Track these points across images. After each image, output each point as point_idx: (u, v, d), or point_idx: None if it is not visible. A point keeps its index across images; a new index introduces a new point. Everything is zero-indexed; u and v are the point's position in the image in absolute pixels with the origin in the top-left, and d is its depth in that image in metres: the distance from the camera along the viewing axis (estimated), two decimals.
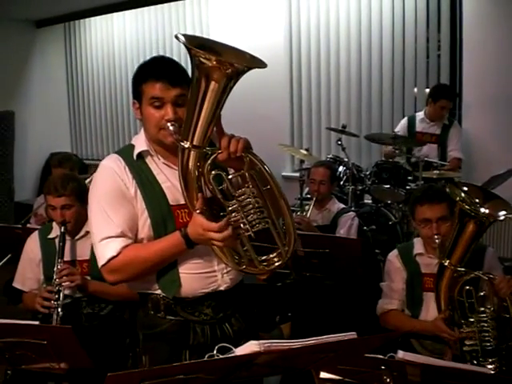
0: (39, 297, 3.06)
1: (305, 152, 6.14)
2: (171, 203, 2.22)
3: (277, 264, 2.15)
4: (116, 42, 8.69)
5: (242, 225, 2.04)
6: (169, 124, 2.10)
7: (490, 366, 2.78)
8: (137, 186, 2.21)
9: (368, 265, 3.74)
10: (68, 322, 2.95)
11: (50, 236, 3.30)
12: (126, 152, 2.29)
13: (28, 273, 3.33)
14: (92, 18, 8.87)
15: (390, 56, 6.44)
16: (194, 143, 2.00)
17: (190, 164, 2.04)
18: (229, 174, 2.08)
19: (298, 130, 7.27)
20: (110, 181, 2.21)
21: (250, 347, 1.47)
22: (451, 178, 5.45)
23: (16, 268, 3.39)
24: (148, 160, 2.26)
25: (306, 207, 4.57)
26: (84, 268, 3.21)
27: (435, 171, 5.24)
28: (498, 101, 5.72)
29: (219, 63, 1.87)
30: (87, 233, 3.16)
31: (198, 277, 2.25)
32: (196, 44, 1.90)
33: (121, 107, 8.88)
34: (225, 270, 2.29)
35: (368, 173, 5.64)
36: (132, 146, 2.29)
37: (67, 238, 3.21)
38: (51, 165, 5.11)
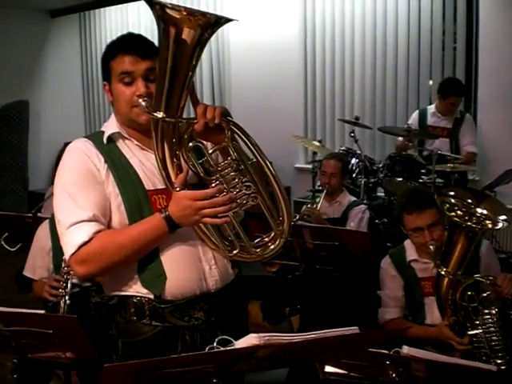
0: (47, 285, 3.08)
1: (318, 144, 6.12)
2: (147, 188, 2.02)
3: (272, 247, 1.97)
4: (131, 31, 8.61)
5: None
6: (140, 100, 1.93)
7: (499, 361, 2.75)
8: (109, 170, 2.01)
9: (379, 258, 3.70)
10: (76, 310, 2.94)
11: None
12: (95, 136, 2.11)
13: (38, 261, 3.34)
14: (107, 8, 8.87)
15: (405, 48, 6.40)
16: (168, 114, 1.83)
17: (165, 138, 1.88)
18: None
19: (312, 122, 7.26)
20: (78, 162, 2.01)
21: (250, 340, 1.46)
22: (465, 171, 5.43)
23: (27, 257, 3.40)
24: (119, 143, 2.08)
25: (317, 199, 4.56)
26: None
27: (449, 164, 5.20)
28: None
29: (189, 14, 1.69)
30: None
31: (183, 268, 2.03)
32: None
33: None
34: (212, 261, 2.08)
35: (381, 165, 5.61)
36: (101, 132, 2.10)
37: None
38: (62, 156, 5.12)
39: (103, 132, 2.09)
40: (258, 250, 1.99)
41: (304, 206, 4.53)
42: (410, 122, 5.81)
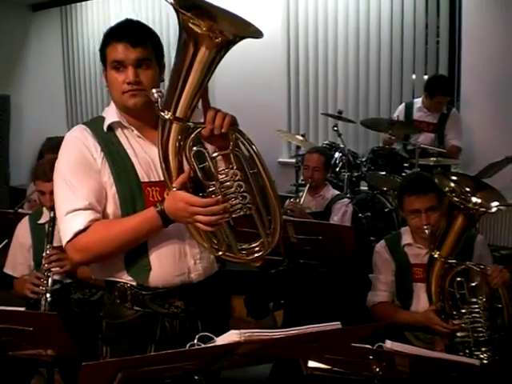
0: (28, 283, 3.06)
1: (301, 138, 6.11)
2: (142, 180, 2.07)
3: (257, 255, 2.00)
4: (113, 25, 8.58)
5: None
6: (154, 90, 1.90)
7: (482, 356, 2.77)
8: (105, 159, 2.06)
9: (363, 252, 3.70)
10: (58, 307, 2.93)
11: (41, 221, 3.30)
12: (95, 123, 2.15)
13: (19, 258, 3.32)
14: (89, 2, 8.78)
15: (388, 42, 6.39)
16: (177, 115, 1.86)
17: (171, 137, 1.90)
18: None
19: (295, 117, 7.25)
20: (75, 151, 2.06)
21: (231, 337, 1.45)
22: (448, 165, 5.44)
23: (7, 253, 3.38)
24: (118, 132, 2.12)
25: (301, 194, 4.55)
26: None
27: (432, 158, 5.21)
28: (496, 89, 5.69)
29: (210, 30, 1.73)
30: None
31: (168, 261, 2.10)
32: (185, 6, 1.74)
33: None
34: (197, 256, 2.14)
35: (364, 159, 5.60)
36: (102, 118, 2.14)
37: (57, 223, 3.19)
38: (43, 152, 5.09)
39: (103, 118, 2.14)
40: (244, 254, 2.02)
41: (287, 201, 4.52)
42: (395, 114, 5.83)
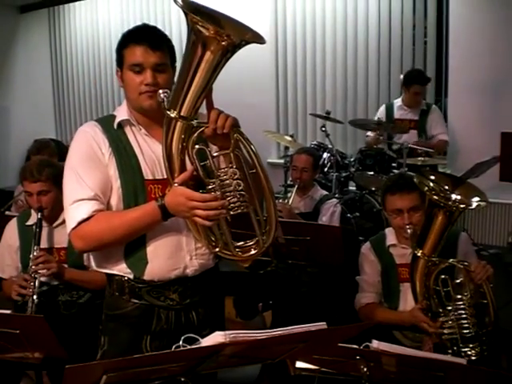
0: (16, 285, 3.03)
1: (289, 139, 6.11)
2: (145, 177, 2.17)
3: (252, 252, 2.08)
4: (101, 27, 8.59)
5: None
6: (161, 91, 2.01)
7: (470, 353, 2.78)
8: (112, 154, 2.16)
9: (351, 252, 3.70)
10: (45, 309, 2.92)
11: (28, 223, 3.28)
12: (105, 120, 2.25)
13: (7, 260, 3.30)
14: (76, 3, 8.76)
15: (376, 42, 6.43)
16: (182, 114, 1.95)
17: (175, 135, 1.99)
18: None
19: (284, 117, 7.26)
20: (85, 144, 2.17)
21: (216, 338, 1.45)
22: (435, 164, 5.46)
23: None
24: (127, 130, 2.21)
25: (289, 194, 4.55)
26: (61, 256, 3.18)
27: (419, 158, 5.23)
28: (483, 88, 5.73)
29: (217, 34, 1.82)
30: (65, 220, 3.13)
31: (165, 256, 2.18)
32: (194, 10, 1.85)
33: (105, 92, 8.81)
34: (194, 252, 2.22)
35: (352, 159, 5.62)
36: (113, 116, 2.24)
37: (45, 225, 3.18)
38: (30, 152, 5.09)
39: (114, 116, 2.23)
40: (239, 251, 2.09)
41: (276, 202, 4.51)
42: (377, 116, 5.85)
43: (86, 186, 2.11)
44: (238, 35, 1.87)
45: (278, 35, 7.06)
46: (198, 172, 2.00)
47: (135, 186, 2.16)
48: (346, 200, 5.46)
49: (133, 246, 2.17)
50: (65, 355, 2.48)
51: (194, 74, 1.91)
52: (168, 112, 1.95)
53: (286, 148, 6.28)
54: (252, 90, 7.09)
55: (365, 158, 5.42)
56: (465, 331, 2.78)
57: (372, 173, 5.32)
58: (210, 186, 1.98)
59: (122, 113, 2.23)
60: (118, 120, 2.21)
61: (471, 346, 2.79)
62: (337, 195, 5.27)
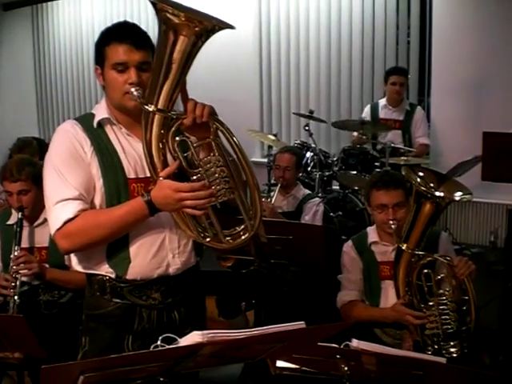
0: None
1: (273, 138, 6.11)
2: (128, 176, 2.15)
3: (243, 237, 2.08)
4: (84, 24, 8.54)
5: None
6: (133, 89, 2.02)
7: (452, 350, 2.80)
8: (94, 153, 2.13)
9: (334, 251, 3.71)
10: (26, 309, 2.91)
11: (9, 222, 3.26)
12: (85, 119, 2.21)
13: None
14: (60, 1, 8.71)
15: (359, 42, 6.44)
16: (159, 106, 1.94)
17: (154, 129, 1.98)
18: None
19: (268, 116, 7.26)
20: (66, 143, 2.13)
21: (194, 338, 1.44)
22: (418, 164, 5.47)
23: None
24: (108, 129, 2.19)
25: (272, 193, 4.55)
26: (42, 255, 3.17)
27: (402, 157, 5.25)
28: (466, 88, 5.77)
29: (188, 20, 1.82)
30: (46, 219, 3.11)
31: (147, 254, 2.18)
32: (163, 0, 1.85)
33: (88, 91, 8.76)
34: (176, 251, 2.22)
35: (335, 159, 5.62)
36: (92, 115, 2.20)
37: (26, 224, 3.17)
38: (12, 151, 5.06)
39: (93, 115, 2.20)
40: (229, 239, 2.09)
41: None
42: (363, 115, 5.88)
43: (70, 186, 2.08)
44: (208, 22, 1.87)
45: (261, 34, 7.06)
46: (181, 164, 2.00)
47: (118, 185, 2.14)
48: (329, 199, 5.47)
49: (115, 245, 2.16)
50: (45, 355, 2.47)
51: (168, 64, 1.91)
52: (146, 106, 1.95)
53: (270, 147, 6.28)
54: (236, 88, 7.07)
55: (348, 157, 5.43)
56: (446, 327, 2.80)
57: (355, 172, 5.33)
58: (194, 177, 1.99)
59: (101, 111, 2.20)
60: (97, 119, 2.17)
61: (452, 343, 2.82)
62: (320, 194, 5.28)
